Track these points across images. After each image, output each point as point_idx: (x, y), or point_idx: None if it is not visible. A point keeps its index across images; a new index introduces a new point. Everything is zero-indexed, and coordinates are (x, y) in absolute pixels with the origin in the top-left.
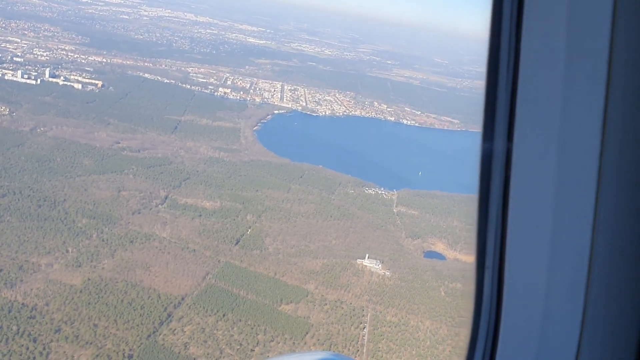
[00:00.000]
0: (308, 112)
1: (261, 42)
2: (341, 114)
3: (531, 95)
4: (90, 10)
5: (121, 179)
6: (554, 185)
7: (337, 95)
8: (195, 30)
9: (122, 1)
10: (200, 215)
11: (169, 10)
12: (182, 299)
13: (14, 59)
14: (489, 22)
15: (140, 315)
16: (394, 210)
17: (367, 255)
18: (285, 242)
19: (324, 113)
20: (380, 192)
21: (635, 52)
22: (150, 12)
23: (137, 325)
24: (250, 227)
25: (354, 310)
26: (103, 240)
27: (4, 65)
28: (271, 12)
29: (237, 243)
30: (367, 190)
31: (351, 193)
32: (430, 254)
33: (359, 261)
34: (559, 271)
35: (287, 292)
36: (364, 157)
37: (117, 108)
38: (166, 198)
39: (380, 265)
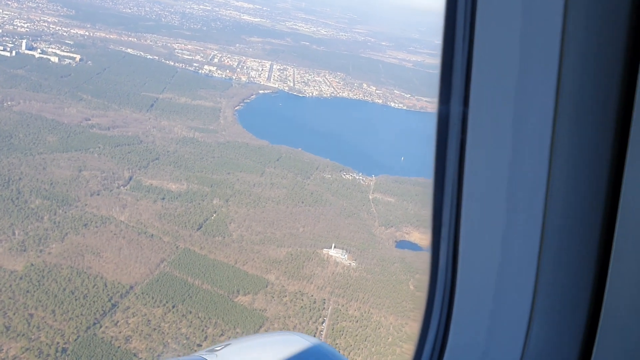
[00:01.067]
0: (294, 93)
1: (255, 19)
2: (328, 95)
3: (486, 64)
4: None
5: (85, 158)
6: (507, 161)
7: (326, 76)
8: (188, 6)
9: None
10: (164, 198)
11: None
12: (131, 287)
13: None
14: None
15: (82, 305)
16: (370, 197)
17: (333, 244)
18: (250, 228)
19: (310, 94)
20: (357, 177)
21: (588, 18)
22: None
23: (77, 316)
24: (215, 212)
25: (314, 303)
26: (55, 223)
27: None
28: None
29: (199, 228)
30: (344, 175)
31: (327, 178)
32: (403, 244)
33: (324, 251)
34: (510, 254)
35: (245, 282)
36: (345, 140)
37: (93, 83)
38: (130, 179)
39: (346, 256)
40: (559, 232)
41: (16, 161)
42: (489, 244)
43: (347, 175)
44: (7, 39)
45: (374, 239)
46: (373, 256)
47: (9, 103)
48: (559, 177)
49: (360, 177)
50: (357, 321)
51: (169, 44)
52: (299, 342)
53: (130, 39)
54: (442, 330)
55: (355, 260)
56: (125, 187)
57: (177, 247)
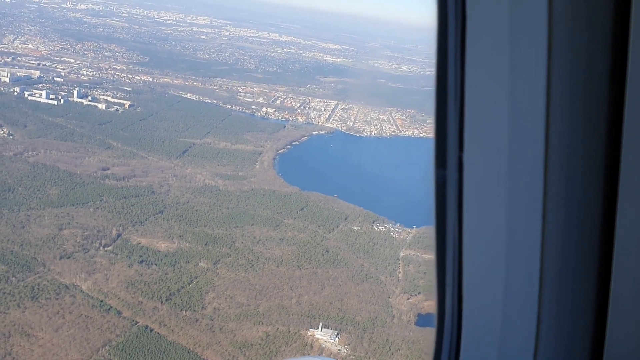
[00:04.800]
0: (351, 133)
1: (337, 60)
2: (389, 134)
3: (478, 103)
4: (169, 31)
5: (78, 213)
6: (504, 203)
7: (393, 113)
8: (271, 50)
9: (209, 22)
10: (142, 262)
11: (254, 31)
12: None
13: (55, 79)
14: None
15: None
16: (401, 254)
17: (320, 324)
18: (231, 299)
19: (369, 133)
20: (392, 229)
21: (574, 40)
22: (232, 33)
23: None
24: (196, 278)
25: None
26: (4, 293)
27: (39, 85)
28: (360, 30)
29: (167, 300)
30: (376, 227)
31: (355, 230)
32: (426, 319)
33: (310, 332)
34: (512, 282)
35: None
36: (391, 184)
37: (131, 130)
38: (117, 237)
39: (336, 339)
40: (559, 233)
41: None
42: (492, 248)
43: (380, 227)
44: (64, 87)
45: (388, 312)
46: (377, 338)
47: (29, 153)
48: (556, 176)
49: (396, 229)
50: None
51: (233, 88)
52: None
53: (195, 83)
54: (455, 339)
55: (348, 344)
56: (107, 248)
57: (133, 325)
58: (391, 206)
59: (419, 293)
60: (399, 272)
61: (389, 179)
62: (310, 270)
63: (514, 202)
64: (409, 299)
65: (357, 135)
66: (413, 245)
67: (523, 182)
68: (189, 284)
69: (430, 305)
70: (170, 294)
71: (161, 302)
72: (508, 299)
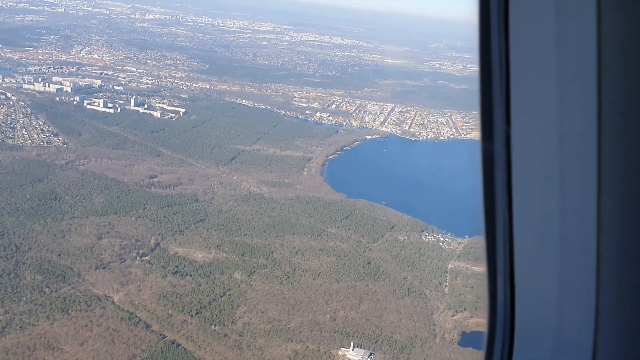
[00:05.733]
0: (407, 137)
1: (398, 62)
2: (446, 137)
3: (524, 94)
4: (231, 38)
5: (119, 222)
6: (556, 182)
7: (453, 116)
8: (332, 54)
9: (272, 28)
10: (177, 272)
11: (317, 35)
12: None
13: (115, 87)
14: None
15: None
16: (449, 266)
17: (352, 343)
18: (263, 314)
19: (425, 137)
20: (442, 239)
21: (623, 38)
22: (294, 38)
23: None
24: (229, 290)
25: None
26: (36, 304)
27: (99, 94)
28: (425, 31)
29: (197, 313)
30: (425, 236)
31: (401, 241)
32: (471, 338)
33: (341, 351)
34: (568, 268)
35: None
36: (445, 190)
37: (182, 137)
38: (156, 247)
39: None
40: (616, 214)
41: (39, 227)
42: (544, 233)
43: (429, 237)
44: (123, 96)
45: (430, 330)
46: (415, 359)
47: (81, 162)
48: (609, 176)
49: (446, 239)
50: None
51: (289, 93)
52: None
53: (251, 89)
54: (507, 334)
55: None
56: (145, 257)
57: (160, 339)
58: (443, 214)
59: (465, 309)
60: (445, 286)
61: (443, 185)
62: (348, 283)
63: (567, 183)
64: (453, 315)
65: (412, 139)
66: (463, 257)
67: (575, 160)
68: (221, 297)
69: (476, 322)
70: (201, 307)
71: (191, 316)
72: (563, 291)
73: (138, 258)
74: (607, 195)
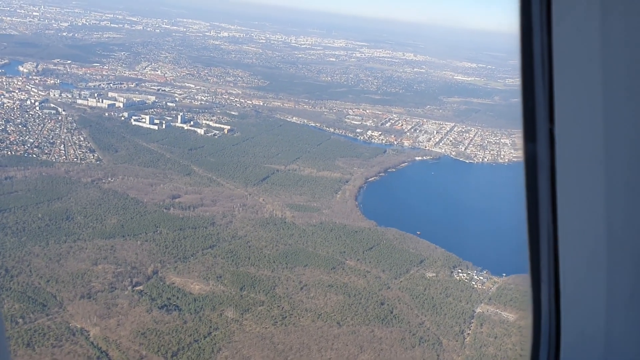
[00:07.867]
0: (461, 159)
1: (468, 79)
2: (506, 160)
3: (569, 93)
4: (299, 55)
5: (121, 246)
6: (603, 184)
7: (518, 137)
8: (400, 70)
9: (344, 45)
10: (165, 306)
11: (389, 51)
12: None
13: (168, 104)
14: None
15: None
16: (477, 310)
17: None
18: None
19: (481, 159)
20: (475, 277)
21: None
22: (365, 54)
23: None
24: (216, 329)
25: None
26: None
27: (149, 110)
28: (506, 47)
29: (173, 356)
30: (457, 273)
31: (428, 278)
32: None
33: None
34: (616, 278)
35: None
36: (490, 219)
37: (219, 155)
38: (153, 275)
39: None
40: None
41: (38, 250)
42: (590, 240)
43: (461, 274)
44: (173, 112)
45: None
46: None
47: (108, 179)
48: None
49: (480, 278)
50: None
51: (344, 110)
52: None
53: (305, 106)
54: (553, 341)
55: None
56: (138, 287)
57: None
58: (483, 247)
59: None
60: (467, 335)
61: (489, 213)
62: (351, 327)
63: (614, 186)
64: None
65: (467, 161)
66: (495, 299)
67: (623, 163)
68: (205, 337)
69: None
70: (179, 348)
71: (165, 358)
72: (611, 299)
73: (129, 287)
74: None
